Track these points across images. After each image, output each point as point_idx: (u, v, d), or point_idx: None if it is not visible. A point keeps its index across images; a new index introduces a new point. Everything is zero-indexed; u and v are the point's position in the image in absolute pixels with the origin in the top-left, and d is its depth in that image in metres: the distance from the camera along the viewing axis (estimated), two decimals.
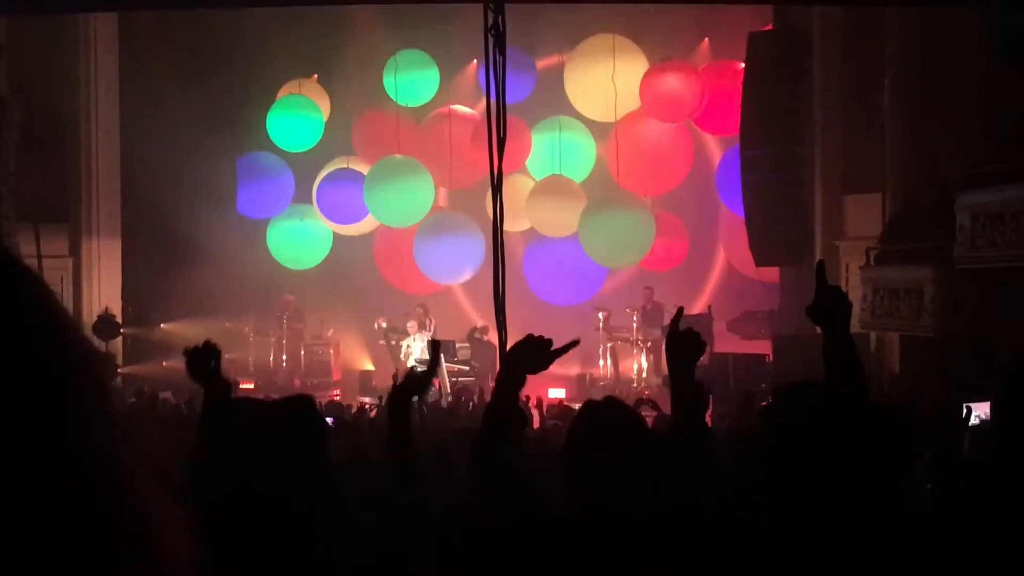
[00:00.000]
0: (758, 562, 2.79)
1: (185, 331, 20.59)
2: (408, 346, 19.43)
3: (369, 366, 20.94)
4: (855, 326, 15.19)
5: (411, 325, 19.53)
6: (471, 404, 13.78)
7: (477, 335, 19.69)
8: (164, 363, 20.06)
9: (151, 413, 11.66)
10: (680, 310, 3.53)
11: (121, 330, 18.80)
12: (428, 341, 18.75)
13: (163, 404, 14.12)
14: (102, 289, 18.83)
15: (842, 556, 2.69)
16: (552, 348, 3.21)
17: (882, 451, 3.10)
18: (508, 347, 3.34)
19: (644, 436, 3.15)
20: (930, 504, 4.31)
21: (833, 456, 2.78)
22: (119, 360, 18.79)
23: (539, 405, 11.42)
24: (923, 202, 13.51)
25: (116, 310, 18.77)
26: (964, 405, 6.48)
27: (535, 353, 3.19)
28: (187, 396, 13.62)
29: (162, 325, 20.43)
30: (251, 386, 18.86)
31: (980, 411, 7.25)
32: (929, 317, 12.77)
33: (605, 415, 3.19)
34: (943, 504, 4.11)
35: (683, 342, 3.28)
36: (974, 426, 6.49)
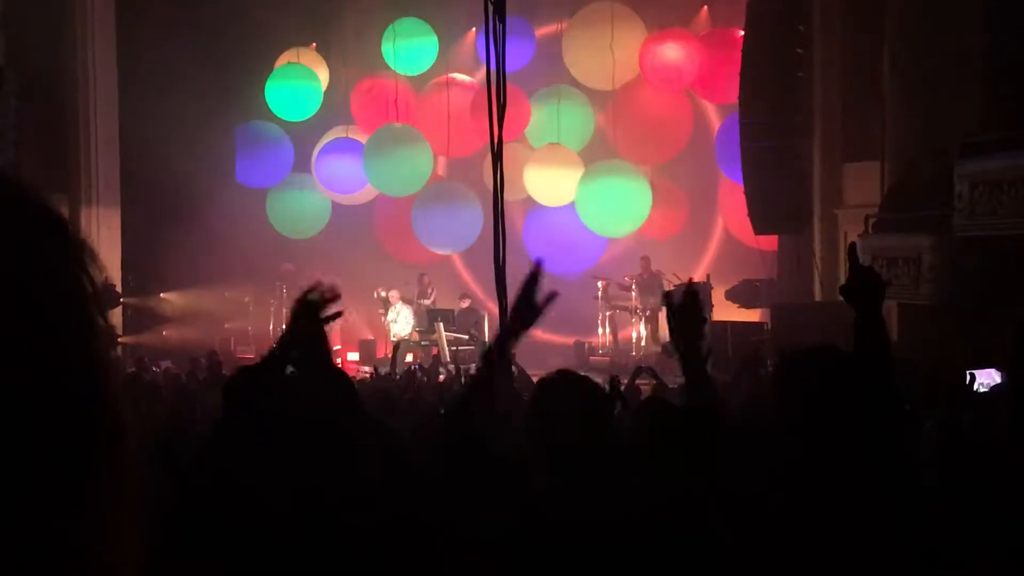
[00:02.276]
0: (773, 540, 2.80)
1: (184, 300, 20.66)
2: (394, 319, 19.49)
3: (369, 335, 20.99)
4: None
5: (393, 294, 19.58)
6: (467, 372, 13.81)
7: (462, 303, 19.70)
8: (164, 332, 20.13)
9: (151, 384, 11.69)
10: (691, 290, 3.49)
11: (121, 300, 18.83)
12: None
13: (164, 373, 14.17)
14: (102, 259, 18.78)
15: (857, 530, 2.70)
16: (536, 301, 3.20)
17: (895, 420, 3.10)
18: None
19: (600, 410, 3.16)
20: (938, 477, 4.33)
21: (849, 424, 2.79)
22: (119, 330, 18.83)
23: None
24: (922, 170, 13.51)
25: (116, 280, 18.79)
26: (968, 372, 6.50)
27: (528, 307, 3.20)
28: (188, 366, 13.68)
29: (162, 295, 20.47)
30: (251, 356, 18.92)
31: (983, 379, 7.29)
32: (928, 285, 12.80)
33: (556, 391, 3.20)
34: (951, 477, 4.12)
35: (682, 319, 3.29)
36: (979, 394, 6.51)
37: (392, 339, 19.24)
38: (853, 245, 3.42)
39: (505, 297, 5.27)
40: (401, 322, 19.52)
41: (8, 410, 0.78)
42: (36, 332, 0.80)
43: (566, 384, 3.19)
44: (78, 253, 0.86)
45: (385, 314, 19.80)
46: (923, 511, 2.86)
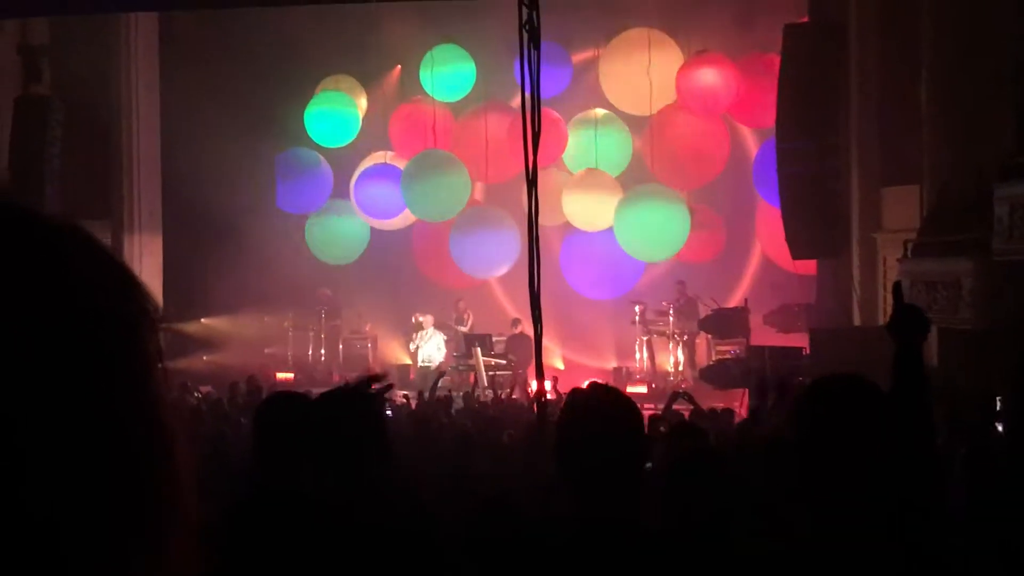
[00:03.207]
0: (793, 561, 2.80)
1: (225, 326, 20.83)
2: (418, 345, 19.55)
3: (407, 360, 21.06)
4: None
5: (426, 319, 19.65)
6: (503, 396, 13.85)
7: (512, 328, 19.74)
8: (205, 357, 20.29)
9: (194, 408, 11.80)
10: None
11: (163, 325, 18.98)
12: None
13: (205, 398, 14.28)
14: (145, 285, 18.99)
15: (877, 556, 2.69)
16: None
17: (918, 452, 3.05)
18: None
19: (634, 427, 3.05)
20: (967, 506, 4.29)
21: (869, 451, 2.77)
22: None
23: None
24: (961, 194, 13.42)
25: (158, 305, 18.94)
26: (997, 398, 6.46)
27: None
28: (228, 392, 13.78)
29: (203, 320, 20.65)
30: (290, 378, 19.10)
31: None
32: (968, 309, 12.69)
33: (585, 404, 3.05)
34: (979, 506, 4.10)
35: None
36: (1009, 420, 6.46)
37: (421, 364, 19.29)
38: (898, 284, 3.40)
39: (540, 322, 5.32)
40: (430, 348, 19.56)
41: (66, 453, 0.81)
42: (97, 382, 0.83)
43: (597, 395, 3.08)
44: (143, 301, 0.90)
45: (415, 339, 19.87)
46: (951, 535, 2.85)
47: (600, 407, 2.96)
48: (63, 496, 0.80)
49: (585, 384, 3.19)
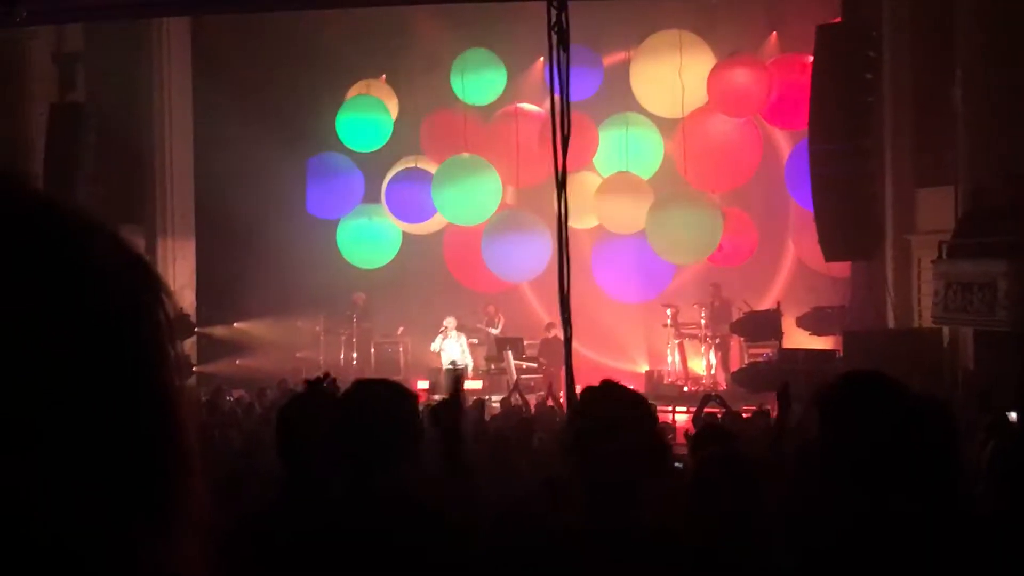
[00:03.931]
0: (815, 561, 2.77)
1: (258, 330, 20.94)
2: (441, 347, 19.52)
3: (438, 363, 21.07)
4: (928, 320, 15.06)
5: (449, 321, 19.61)
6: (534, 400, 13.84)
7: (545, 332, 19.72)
8: (237, 361, 20.40)
9: (227, 412, 11.87)
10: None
11: (195, 329, 19.12)
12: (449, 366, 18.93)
13: (238, 402, 14.37)
14: (176, 289, 19.16)
15: (902, 559, 2.67)
16: None
17: (944, 451, 3.02)
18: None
19: (646, 423, 3.03)
20: (998, 506, 4.24)
21: (894, 451, 2.75)
22: (193, 359, 19.13)
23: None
24: (996, 195, 13.32)
25: (191, 309, 19.10)
26: None
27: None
28: (256, 396, 13.86)
29: (235, 324, 20.76)
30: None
31: None
32: (1004, 311, 12.59)
33: (599, 400, 3.06)
34: (1009, 503, 4.04)
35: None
36: None
37: (446, 367, 19.29)
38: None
39: (569, 324, 5.31)
40: (453, 350, 19.55)
41: (78, 440, 0.81)
42: (109, 363, 0.83)
43: (607, 392, 3.07)
44: (154, 285, 0.90)
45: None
46: (978, 538, 2.81)
47: (610, 404, 2.96)
48: (72, 482, 0.80)
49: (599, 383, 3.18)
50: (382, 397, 3.15)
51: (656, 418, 3.09)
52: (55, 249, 0.83)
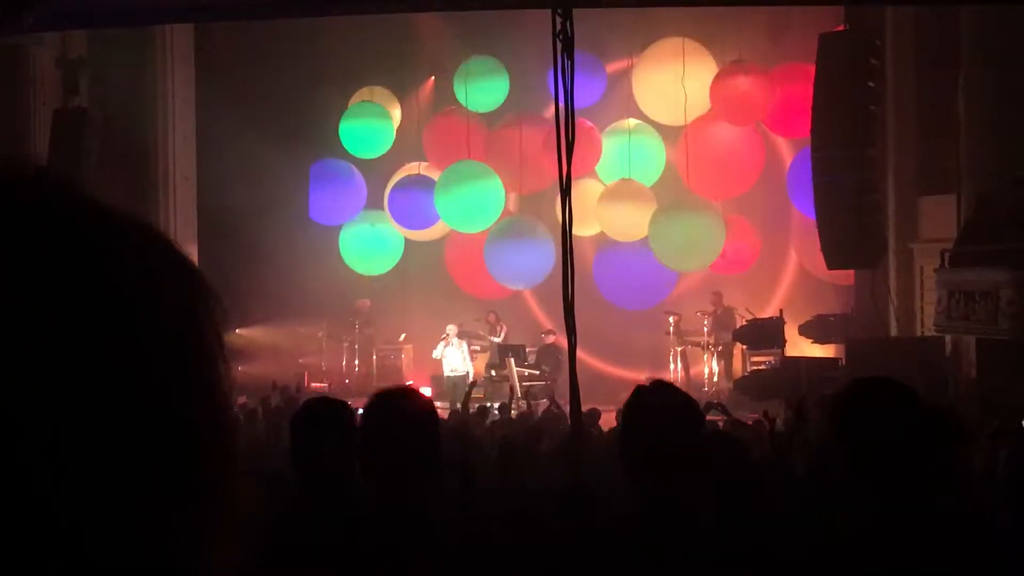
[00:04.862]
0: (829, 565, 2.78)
1: (261, 336, 20.93)
2: (442, 354, 19.47)
3: (440, 371, 21.07)
4: (930, 328, 15.05)
5: (450, 328, 19.57)
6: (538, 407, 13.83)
7: (543, 337, 19.69)
8: (240, 368, 20.37)
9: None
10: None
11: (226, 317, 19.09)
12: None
13: (241, 408, 14.35)
14: None
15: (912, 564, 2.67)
16: None
17: (951, 460, 3.04)
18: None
19: (697, 420, 3.06)
20: (1010, 516, 4.24)
21: (904, 455, 2.76)
22: None
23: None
24: (999, 203, 13.31)
25: None
26: None
27: None
28: (260, 403, 13.85)
29: (238, 330, 20.74)
30: (324, 385, 19.16)
31: None
32: (1007, 320, 12.57)
33: (653, 398, 3.08)
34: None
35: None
36: None
37: (447, 374, 19.26)
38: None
39: (574, 332, 5.31)
40: (455, 358, 19.52)
41: (127, 439, 0.81)
42: (168, 370, 0.83)
43: (660, 391, 3.10)
44: (214, 304, 0.90)
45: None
46: (993, 547, 2.82)
47: (665, 402, 2.99)
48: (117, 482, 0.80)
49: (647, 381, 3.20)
50: (406, 412, 3.13)
51: (703, 420, 3.11)
52: (115, 256, 0.83)
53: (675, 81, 18.55)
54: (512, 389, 17.65)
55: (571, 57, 5.74)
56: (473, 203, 19.52)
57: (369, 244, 20.77)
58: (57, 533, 0.77)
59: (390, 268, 20.91)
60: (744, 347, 18.65)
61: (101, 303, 0.81)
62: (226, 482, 0.86)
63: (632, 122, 19.46)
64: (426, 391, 19.01)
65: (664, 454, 2.87)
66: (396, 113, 21.05)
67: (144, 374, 0.82)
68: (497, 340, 20.06)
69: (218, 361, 0.88)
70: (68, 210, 0.85)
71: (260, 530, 0.92)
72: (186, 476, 0.83)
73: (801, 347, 17.64)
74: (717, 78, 18.76)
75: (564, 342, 19.64)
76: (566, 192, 5.45)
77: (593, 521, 3.04)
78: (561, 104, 5.68)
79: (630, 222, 18.87)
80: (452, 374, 19.20)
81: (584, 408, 9.17)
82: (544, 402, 14.51)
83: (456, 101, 20.34)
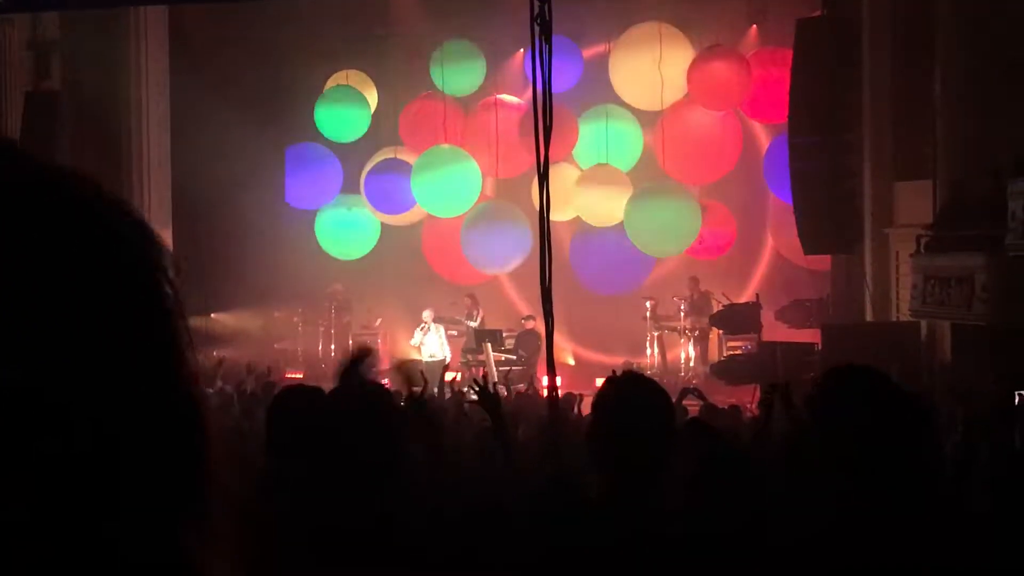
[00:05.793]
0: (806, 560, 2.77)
1: (235, 321, 20.84)
2: (421, 340, 19.39)
3: (417, 356, 21.02)
4: (905, 314, 15.12)
5: (426, 314, 19.46)
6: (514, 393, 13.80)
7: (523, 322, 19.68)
8: (215, 353, 20.29)
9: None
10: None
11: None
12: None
13: (217, 393, 14.28)
14: None
15: (897, 554, 2.67)
16: None
17: (933, 446, 3.04)
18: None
19: (667, 413, 3.07)
20: (991, 502, 4.25)
21: (887, 447, 2.76)
22: None
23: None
24: (974, 189, 13.37)
25: None
26: (1016, 393, 6.40)
27: None
28: (235, 385, 13.78)
29: (212, 315, 20.65)
30: (300, 375, 19.01)
31: None
32: (981, 305, 12.63)
33: (627, 389, 3.10)
34: (1005, 499, 4.05)
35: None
36: None
37: (427, 359, 19.18)
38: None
39: (551, 317, 5.28)
40: (432, 343, 19.44)
41: (111, 418, 0.78)
42: (137, 340, 0.80)
43: (630, 384, 3.11)
44: (162, 256, 0.86)
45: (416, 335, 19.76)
46: (974, 535, 2.82)
47: (636, 394, 3.00)
48: (106, 464, 0.77)
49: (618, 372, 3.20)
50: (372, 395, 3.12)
51: (673, 413, 3.14)
52: (77, 219, 0.80)
53: (652, 66, 18.52)
54: (488, 373, 17.65)
55: (549, 41, 5.71)
56: (450, 187, 19.47)
57: (345, 228, 20.69)
58: (59, 531, 0.75)
59: (366, 253, 20.84)
60: (720, 332, 18.69)
61: (70, 273, 0.78)
62: (209, 466, 0.84)
63: (609, 107, 19.43)
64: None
65: (632, 451, 2.87)
66: (372, 97, 20.95)
67: (117, 347, 0.78)
68: (473, 325, 20.02)
69: (183, 325, 0.85)
70: (19, 176, 0.81)
71: (235, 517, 0.89)
72: (170, 452, 0.80)
73: (777, 332, 17.68)
74: (694, 63, 18.76)
75: (541, 327, 19.69)
76: (544, 176, 5.42)
77: (565, 508, 3.03)
78: (539, 88, 5.64)
79: (607, 207, 18.85)
80: (431, 360, 19.15)
81: (561, 393, 9.18)
82: (522, 387, 14.51)
83: (432, 85, 20.27)
